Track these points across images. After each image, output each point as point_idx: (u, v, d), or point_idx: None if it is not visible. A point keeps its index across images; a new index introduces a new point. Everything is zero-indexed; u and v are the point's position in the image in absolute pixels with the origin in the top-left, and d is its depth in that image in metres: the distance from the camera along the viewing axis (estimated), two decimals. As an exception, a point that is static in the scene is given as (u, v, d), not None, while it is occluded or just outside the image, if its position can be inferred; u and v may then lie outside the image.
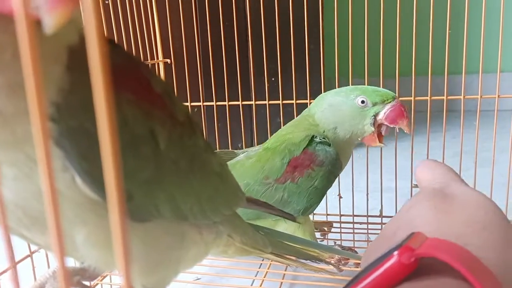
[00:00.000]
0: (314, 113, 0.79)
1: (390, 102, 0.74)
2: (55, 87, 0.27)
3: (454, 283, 0.23)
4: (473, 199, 0.31)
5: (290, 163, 0.74)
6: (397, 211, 0.34)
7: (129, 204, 0.30)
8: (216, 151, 0.86)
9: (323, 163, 0.74)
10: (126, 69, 0.31)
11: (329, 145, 0.75)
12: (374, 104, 0.74)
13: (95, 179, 0.28)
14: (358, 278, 0.25)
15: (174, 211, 0.35)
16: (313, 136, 0.75)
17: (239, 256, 0.52)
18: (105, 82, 0.15)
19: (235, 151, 0.86)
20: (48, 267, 0.70)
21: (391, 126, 0.75)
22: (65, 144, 0.27)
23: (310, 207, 0.74)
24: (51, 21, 0.17)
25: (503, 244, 0.27)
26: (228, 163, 0.79)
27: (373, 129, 0.75)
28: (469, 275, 0.22)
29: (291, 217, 0.61)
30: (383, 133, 0.76)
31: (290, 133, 0.79)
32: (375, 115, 0.74)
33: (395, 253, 0.24)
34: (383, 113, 0.74)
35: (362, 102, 0.74)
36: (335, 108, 0.76)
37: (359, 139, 0.77)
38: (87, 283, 0.41)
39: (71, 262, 0.54)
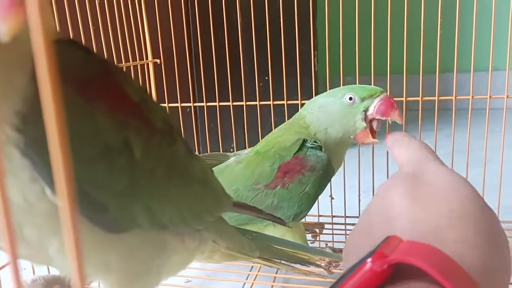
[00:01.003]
0: (304, 116, 0.78)
1: (379, 95, 0.74)
2: (20, 96, 0.26)
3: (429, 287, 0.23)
4: (449, 183, 0.30)
5: (280, 169, 0.73)
6: (372, 198, 0.33)
7: (104, 216, 0.29)
8: (205, 154, 0.85)
9: (314, 168, 0.73)
10: (99, 78, 0.30)
11: (321, 149, 0.74)
12: (363, 100, 0.74)
13: None
14: (334, 286, 0.24)
15: (153, 221, 0.34)
16: (304, 140, 0.74)
17: (226, 261, 0.51)
18: (53, 87, 0.14)
19: (227, 153, 0.85)
20: (34, 273, 0.69)
21: (383, 118, 0.74)
22: (32, 154, 0.26)
23: (300, 213, 0.73)
24: (4, 29, 0.17)
25: (481, 235, 0.27)
26: (218, 167, 0.78)
27: (364, 124, 0.74)
28: (442, 279, 0.22)
29: (280, 221, 0.60)
30: (375, 129, 0.76)
31: (281, 136, 0.77)
32: (365, 110, 0.74)
33: (368, 260, 0.24)
34: (373, 107, 0.74)
35: (350, 99, 0.74)
36: (325, 109, 0.76)
37: (352, 137, 0.76)
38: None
39: (54, 271, 0.53)
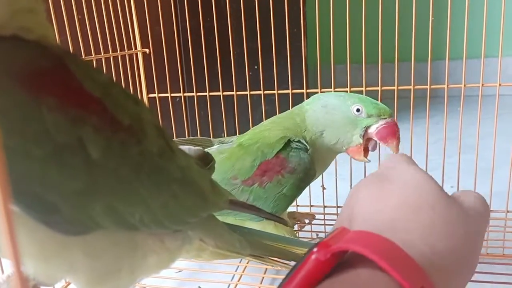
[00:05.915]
0: (305, 111, 0.75)
1: (386, 118, 0.71)
2: None
3: (370, 273, 0.24)
4: (411, 181, 0.32)
5: (260, 167, 0.71)
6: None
7: (58, 218, 0.28)
8: (187, 138, 0.82)
9: (294, 170, 0.71)
10: (50, 73, 0.28)
11: (306, 150, 0.72)
12: (369, 116, 0.71)
13: (14, 189, 0.25)
14: (287, 277, 0.25)
15: (118, 222, 0.32)
16: (289, 140, 0.72)
17: (215, 259, 0.50)
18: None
19: (212, 139, 0.83)
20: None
21: (380, 142, 0.72)
22: None
23: (275, 213, 0.71)
24: None
25: (436, 227, 0.28)
26: None
27: (361, 141, 0.72)
28: (384, 263, 0.23)
29: (282, 221, 0.58)
30: (370, 149, 0.73)
31: (268, 130, 0.75)
32: (367, 128, 0.71)
33: (314, 250, 0.25)
34: (376, 127, 0.71)
35: (358, 110, 0.71)
36: (328, 110, 0.73)
37: (344, 148, 0.73)
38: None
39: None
